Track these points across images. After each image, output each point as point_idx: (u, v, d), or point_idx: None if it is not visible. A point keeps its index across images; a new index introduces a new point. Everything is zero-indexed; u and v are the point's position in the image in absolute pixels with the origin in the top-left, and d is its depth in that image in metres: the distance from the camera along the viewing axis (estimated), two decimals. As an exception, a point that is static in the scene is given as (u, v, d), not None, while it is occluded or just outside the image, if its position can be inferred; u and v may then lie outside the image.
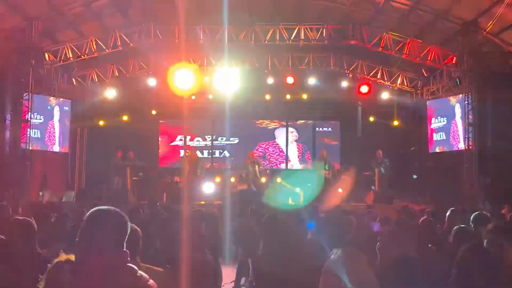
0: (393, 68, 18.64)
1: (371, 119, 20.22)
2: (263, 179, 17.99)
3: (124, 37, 16.63)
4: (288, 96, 19.91)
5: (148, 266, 3.92)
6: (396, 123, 19.98)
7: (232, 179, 18.41)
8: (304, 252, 4.05)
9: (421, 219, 7.46)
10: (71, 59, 16.81)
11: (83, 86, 19.12)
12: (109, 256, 2.66)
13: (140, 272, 2.74)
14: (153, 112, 20.52)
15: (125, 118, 19.95)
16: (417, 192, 18.94)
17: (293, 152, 21.62)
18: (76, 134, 19.79)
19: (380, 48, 16.66)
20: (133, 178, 17.46)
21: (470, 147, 16.01)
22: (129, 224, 2.85)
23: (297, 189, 17.24)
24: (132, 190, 16.81)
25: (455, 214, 7.25)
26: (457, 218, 7.05)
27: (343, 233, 4.62)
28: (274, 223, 4.33)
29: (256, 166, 17.76)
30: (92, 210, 2.82)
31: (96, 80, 18.85)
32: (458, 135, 17.42)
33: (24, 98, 15.97)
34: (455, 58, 16.29)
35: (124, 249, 2.74)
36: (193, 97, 19.74)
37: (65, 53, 16.64)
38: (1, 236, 4.38)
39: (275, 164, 21.08)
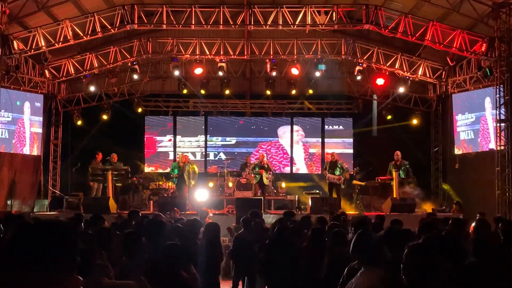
0: (414, 56, 18.44)
1: (389, 117, 20.04)
2: (266, 180, 17.78)
3: (104, 21, 16.42)
4: (292, 92, 19.70)
5: (116, 281, 3.88)
6: (415, 121, 19.80)
7: (230, 184, 18.23)
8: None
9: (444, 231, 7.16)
10: (44, 47, 16.58)
11: (58, 78, 18.91)
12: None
13: None
14: (139, 109, 20.35)
15: (105, 117, 19.76)
16: (442, 199, 18.83)
17: (298, 153, 21.41)
18: (49, 134, 19.58)
19: (399, 34, 16.46)
20: (116, 185, 17.25)
21: (503, 147, 15.81)
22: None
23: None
24: (114, 198, 16.58)
25: (483, 224, 6.99)
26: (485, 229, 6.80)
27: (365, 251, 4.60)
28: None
29: (265, 172, 17.58)
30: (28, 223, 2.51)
31: (73, 71, 18.63)
32: (489, 133, 17.22)
33: (-11, 92, 15.80)
34: (484, 44, 16.09)
35: (73, 274, 2.42)
36: (185, 91, 19.66)
37: (37, 40, 16.40)
38: None
39: (278, 167, 20.87)
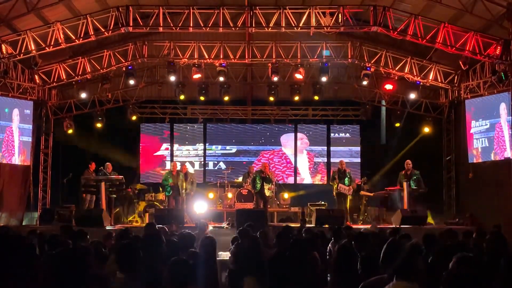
0: (424, 60, 18.43)
1: (397, 124, 20.01)
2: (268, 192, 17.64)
3: (97, 24, 16.43)
4: (296, 98, 19.68)
5: None
6: (426, 128, 19.76)
7: (230, 195, 18.22)
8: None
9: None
10: (34, 51, 16.54)
11: (48, 84, 18.92)
12: None
13: None
14: (133, 117, 20.28)
15: (98, 125, 19.72)
16: (456, 211, 18.76)
17: (303, 162, 21.39)
18: (39, 142, 19.56)
19: (408, 36, 16.41)
20: (111, 196, 17.21)
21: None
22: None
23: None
24: (108, 210, 16.54)
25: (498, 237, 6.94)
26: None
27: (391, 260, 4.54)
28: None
29: (268, 184, 17.37)
30: None
31: (64, 76, 18.62)
32: (504, 141, 17.14)
33: (-25, 99, 15.81)
34: (499, 47, 16.00)
35: None
36: (182, 97, 19.64)
37: (26, 44, 16.34)
38: None
39: (281, 177, 20.83)
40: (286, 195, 19.00)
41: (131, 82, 18.83)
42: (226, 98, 19.77)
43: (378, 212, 18.06)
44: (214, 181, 19.95)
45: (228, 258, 8.97)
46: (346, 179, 17.15)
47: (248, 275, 5.87)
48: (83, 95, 19.01)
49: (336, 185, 17.17)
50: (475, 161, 18.31)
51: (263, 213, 15.94)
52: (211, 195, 18.60)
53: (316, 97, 19.71)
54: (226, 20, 16.46)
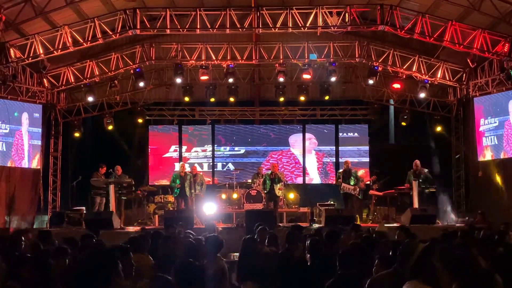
0: (432, 58, 18.36)
1: (403, 123, 19.92)
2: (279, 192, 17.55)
3: (105, 27, 16.46)
4: (303, 98, 19.63)
5: None
6: (435, 127, 19.66)
7: (235, 195, 18.20)
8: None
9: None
10: (42, 55, 16.62)
11: (57, 87, 18.97)
12: None
13: None
14: (142, 120, 20.25)
15: (107, 128, 19.70)
16: (465, 209, 18.66)
17: (311, 163, 21.33)
18: (49, 146, 19.61)
19: (416, 35, 16.38)
20: (122, 198, 17.22)
21: (529, 153, 15.72)
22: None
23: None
24: (118, 212, 16.55)
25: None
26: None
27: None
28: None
29: (278, 184, 17.20)
30: None
31: (72, 80, 18.67)
32: (514, 138, 17.11)
33: (-15, 103, 15.86)
34: (507, 44, 15.98)
35: None
36: (187, 99, 19.59)
37: (35, 48, 16.42)
38: None
39: (290, 178, 20.77)
40: (291, 195, 18.99)
41: (141, 84, 18.84)
42: (234, 99, 19.73)
43: (388, 211, 17.97)
44: (223, 182, 19.90)
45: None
46: (352, 178, 17.06)
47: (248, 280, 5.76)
48: (91, 98, 19.05)
49: (340, 185, 17.12)
50: (484, 159, 18.21)
51: (272, 213, 15.87)
52: (223, 195, 18.59)
53: (326, 97, 19.64)
54: (233, 21, 16.46)
